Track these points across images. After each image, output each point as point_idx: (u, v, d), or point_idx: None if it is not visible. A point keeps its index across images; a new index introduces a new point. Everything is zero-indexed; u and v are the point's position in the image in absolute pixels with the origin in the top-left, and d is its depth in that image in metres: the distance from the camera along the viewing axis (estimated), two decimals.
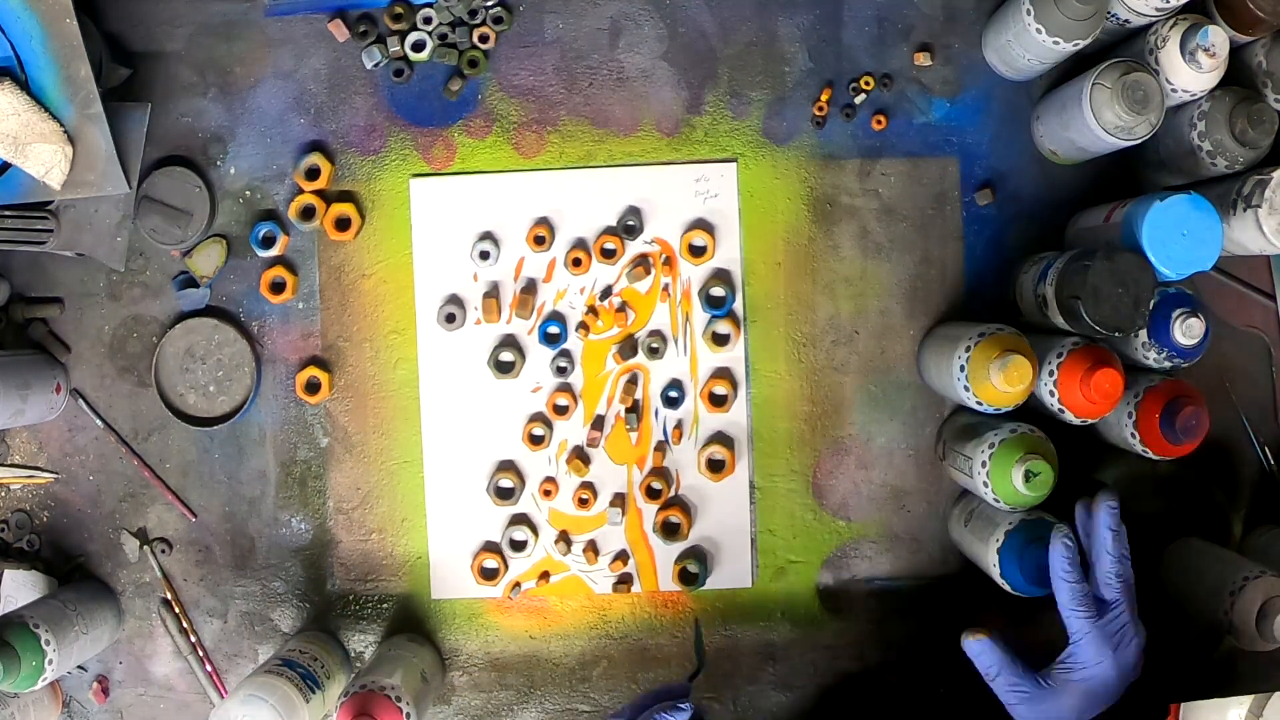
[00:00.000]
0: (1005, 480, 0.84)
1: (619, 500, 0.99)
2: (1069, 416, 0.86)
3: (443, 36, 0.99)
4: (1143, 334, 0.87)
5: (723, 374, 0.98)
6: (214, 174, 1.00)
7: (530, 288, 0.99)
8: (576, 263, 0.98)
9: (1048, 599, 1.01)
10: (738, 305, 0.99)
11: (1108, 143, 0.85)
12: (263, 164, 1.00)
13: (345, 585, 1.01)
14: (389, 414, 1.00)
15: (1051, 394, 0.86)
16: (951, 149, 0.98)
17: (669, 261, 0.99)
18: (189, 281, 1.00)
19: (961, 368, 0.86)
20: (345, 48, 1.00)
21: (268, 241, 0.99)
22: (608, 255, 0.99)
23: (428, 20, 0.98)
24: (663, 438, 0.99)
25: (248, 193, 1.00)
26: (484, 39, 0.98)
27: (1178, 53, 0.83)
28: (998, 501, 0.86)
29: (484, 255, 0.98)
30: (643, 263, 0.98)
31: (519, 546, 1.00)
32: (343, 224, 0.99)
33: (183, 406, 1.01)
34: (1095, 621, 0.79)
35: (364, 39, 0.99)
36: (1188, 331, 0.84)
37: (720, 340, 0.98)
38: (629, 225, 0.98)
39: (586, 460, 0.99)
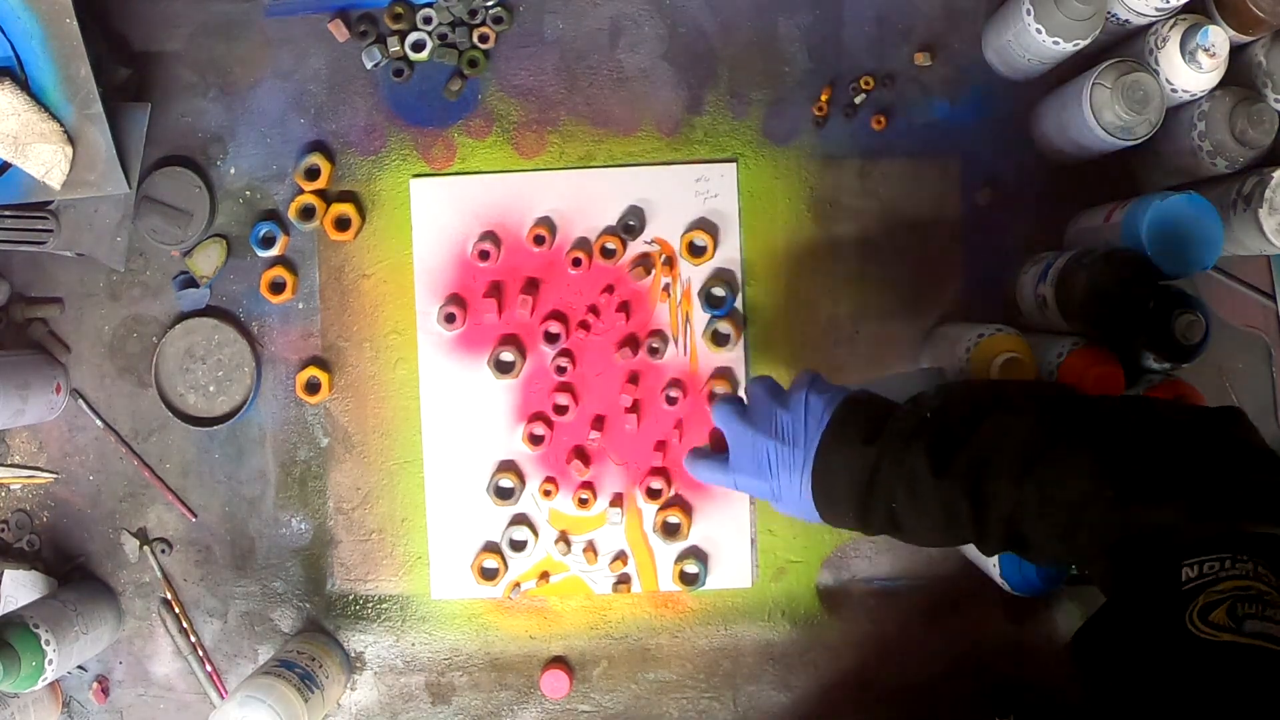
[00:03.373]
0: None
1: (619, 500, 0.99)
2: None
3: (443, 36, 0.99)
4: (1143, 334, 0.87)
5: (723, 374, 0.98)
6: (214, 174, 1.00)
7: (530, 287, 0.99)
8: (576, 263, 0.98)
9: (1048, 598, 1.01)
10: (738, 305, 0.99)
11: (1108, 143, 0.85)
12: (263, 164, 1.00)
13: (345, 585, 1.01)
14: (389, 414, 1.00)
15: None
16: (951, 149, 0.98)
17: (669, 261, 0.99)
18: (189, 281, 1.00)
19: (961, 369, 0.86)
20: (345, 48, 1.00)
21: (268, 241, 0.99)
22: (608, 255, 0.99)
23: (428, 20, 0.98)
24: (663, 438, 0.99)
25: (248, 193, 1.00)
26: (484, 39, 0.98)
27: (1178, 53, 0.83)
28: None
29: (484, 255, 0.98)
30: (643, 263, 0.98)
31: (519, 546, 1.00)
32: (343, 224, 0.99)
33: (183, 406, 1.01)
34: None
35: (364, 39, 0.99)
36: (1188, 331, 0.84)
37: (720, 340, 0.98)
38: (629, 225, 0.98)
39: (586, 460, 0.99)
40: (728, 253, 0.98)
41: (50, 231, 0.96)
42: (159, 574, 1.01)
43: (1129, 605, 0.57)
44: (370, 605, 1.01)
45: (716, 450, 0.82)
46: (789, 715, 0.99)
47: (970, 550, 0.93)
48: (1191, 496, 0.58)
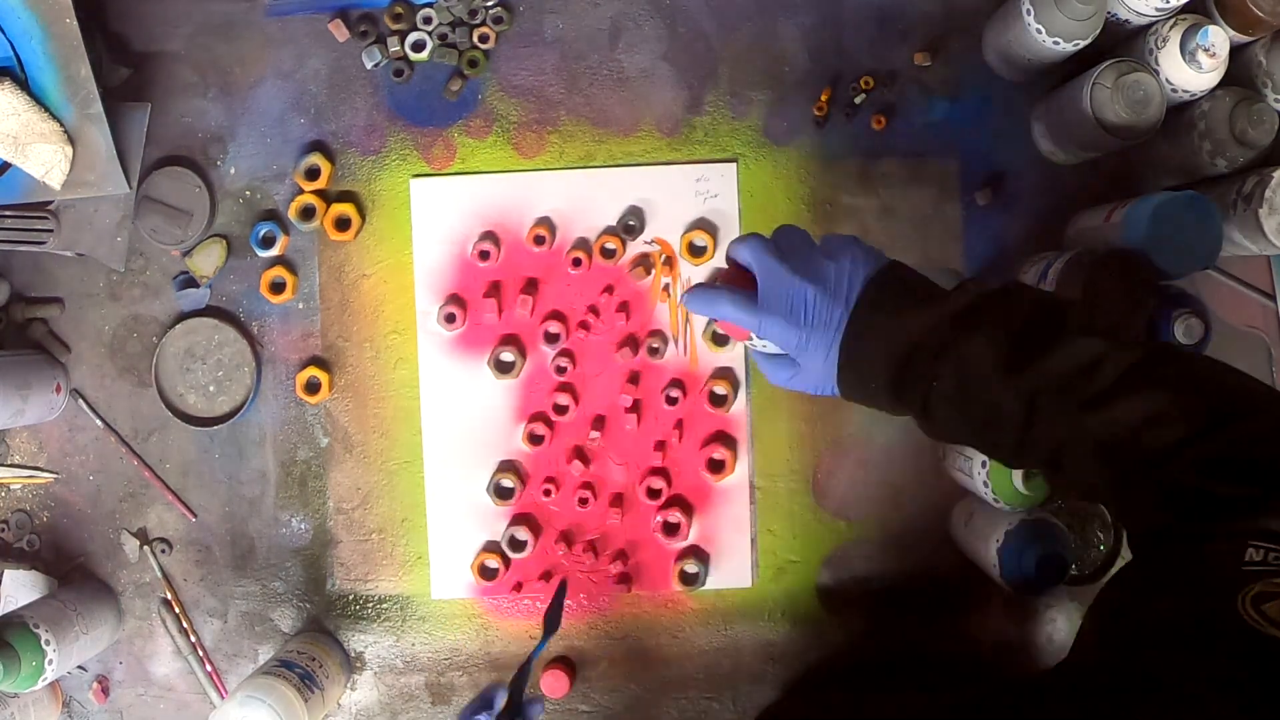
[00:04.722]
0: (1005, 480, 0.84)
1: (619, 500, 0.99)
2: None
3: (443, 36, 0.99)
4: (1143, 334, 0.87)
5: (723, 374, 0.98)
6: (214, 174, 1.00)
7: (530, 287, 0.99)
8: (576, 263, 0.98)
9: (1049, 598, 1.01)
10: None
11: (1107, 142, 0.85)
12: (263, 164, 1.00)
13: (345, 585, 1.01)
14: (389, 414, 1.00)
15: None
16: (951, 149, 0.98)
17: (669, 261, 0.99)
18: (189, 281, 1.00)
19: None
20: (345, 48, 1.00)
21: (268, 241, 0.99)
22: (608, 255, 0.99)
23: (428, 20, 0.98)
24: (663, 438, 0.99)
25: (248, 193, 1.00)
26: (484, 39, 0.98)
27: (1178, 53, 0.83)
28: (998, 501, 0.86)
29: (484, 255, 0.98)
30: (643, 263, 0.98)
31: (519, 546, 1.00)
32: (343, 224, 0.99)
33: (183, 406, 1.01)
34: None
35: (364, 39, 0.99)
36: (1188, 331, 0.84)
37: (720, 340, 0.98)
38: (629, 225, 0.98)
39: (586, 460, 0.99)
40: None
41: (50, 231, 0.96)
42: (159, 574, 1.01)
43: (1173, 566, 0.54)
44: (370, 605, 1.01)
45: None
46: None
47: (970, 549, 0.93)
48: (1274, 478, 0.55)
